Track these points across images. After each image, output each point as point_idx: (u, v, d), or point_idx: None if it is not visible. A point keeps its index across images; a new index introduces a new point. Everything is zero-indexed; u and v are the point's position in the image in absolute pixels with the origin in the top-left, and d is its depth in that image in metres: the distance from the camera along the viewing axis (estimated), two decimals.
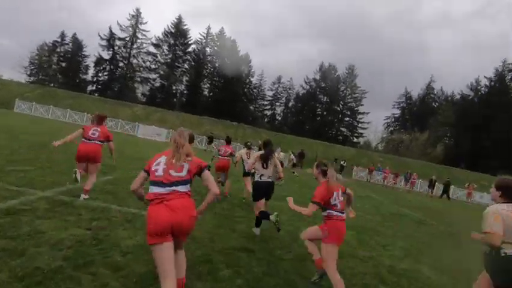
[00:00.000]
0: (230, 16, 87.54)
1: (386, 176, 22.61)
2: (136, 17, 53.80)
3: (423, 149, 40.68)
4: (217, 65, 56.41)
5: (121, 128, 26.02)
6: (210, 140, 23.50)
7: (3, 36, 75.46)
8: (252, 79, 60.98)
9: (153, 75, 55.62)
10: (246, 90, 59.71)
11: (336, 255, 2.92)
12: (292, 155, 21.19)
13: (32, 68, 53.38)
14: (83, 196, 4.64)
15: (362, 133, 58.62)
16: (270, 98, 67.13)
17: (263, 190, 4.55)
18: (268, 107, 68.44)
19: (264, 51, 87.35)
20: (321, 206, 2.93)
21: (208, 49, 56.87)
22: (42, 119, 23.50)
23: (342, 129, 59.15)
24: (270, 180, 4.62)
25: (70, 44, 55.89)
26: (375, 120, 71.05)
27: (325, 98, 59.31)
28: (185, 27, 55.74)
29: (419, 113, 54.48)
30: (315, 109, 59.81)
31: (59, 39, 55.25)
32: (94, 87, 55.29)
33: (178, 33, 54.95)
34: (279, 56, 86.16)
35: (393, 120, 59.35)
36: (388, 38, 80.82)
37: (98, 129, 4.81)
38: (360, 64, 75.56)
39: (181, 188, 2.18)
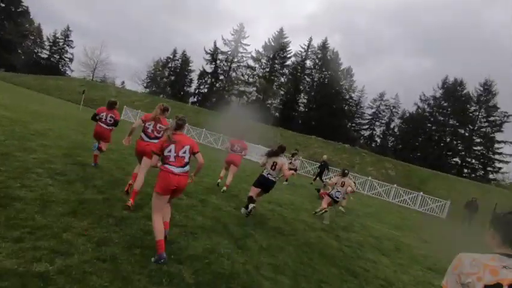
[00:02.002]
0: (331, 28, 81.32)
1: None
2: (239, 31, 53.04)
3: None
4: (316, 78, 50.71)
5: (205, 139, 22.02)
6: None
7: (127, 53, 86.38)
8: (353, 95, 53.14)
9: (250, 89, 53.71)
10: (345, 106, 52.15)
11: (160, 206, 3.20)
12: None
13: (148, 81, 57.92)
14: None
15: (500, 167, 43.98)
16: (369, 117, 57.83)
17: (263, 183, 5.68)
18: (366, 126, 58.99)
19: (362, 66, 77.75)
20: (159, 155, 3.27)
21: (308, 61, 51.99)
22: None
23: (470, 159, 45.60)
24: (273, 179, 5.68)
25: (180, 60, 59.10)
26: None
27: (447, 120, 46.96)
28: (286, 39, 52.36)
29: None
30: (431, 132, 47.92)
31: (171, 56, 59.28)
32: (195, 99, 56.60)
33: (277, 46, 51.61)
34: (380, 71, 75.32)
35: None
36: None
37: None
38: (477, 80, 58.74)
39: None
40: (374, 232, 7.62)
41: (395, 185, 17.38)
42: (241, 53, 55.96)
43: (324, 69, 53.22)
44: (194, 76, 60.04)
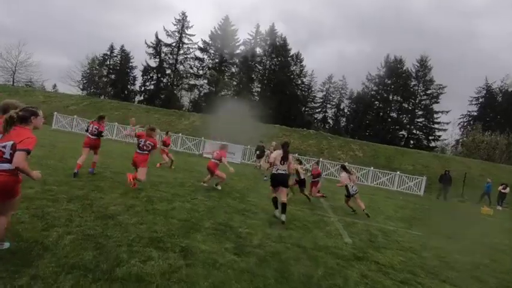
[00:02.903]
0: (275, 16, 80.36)
1: None
2: (182, 21, 49.00)
3: None
4: (267, 66, 49.35)
5: (183, 145, 19.32)
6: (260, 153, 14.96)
7: (55, 53, 75.93)
8: (304, 80, 53.19)
9: (200, 81, 50.50)
10: (298, 92, 51.94)
11: None
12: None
13: (85, 81, 51.01)
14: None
15: (439, 135, 47.67)
16: (321, 100, 58.76)
17: (279, 180, 6.00)
18: (319, 109, 59.96)
19: (309, 51, 78.67)
20: None
21: (258, 49, 50.22)
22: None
23: (415, 131, 48.69)
24: (284, 172, 6.05)
25: (118, 56, 53.03)
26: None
27: (392, 96, 49.34)
28: (232, 27, 49.75)
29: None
30: (378, 110, 50.08)
31: (108, 52, 52.93)
32: (142, 97, 51.76)
33: (225, 35, 48.84)
34: (324, 55, 77.02)
35: (470, 119, 47.82)
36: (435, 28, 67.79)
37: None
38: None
39: None
40: (401, 240, 6.17)
41: (372, 168, 16.72)
42: (187, 44, 51.90)
43: (274, 56, 52.08)
44: (137, 73, 54.56)
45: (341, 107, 59.69)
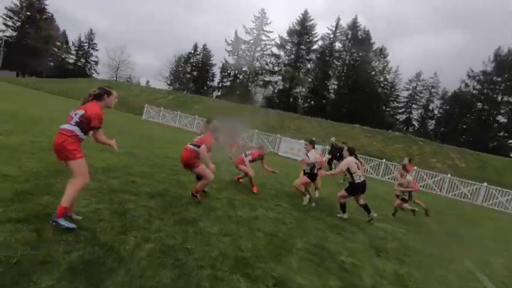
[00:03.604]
0: (357, 8, 74.93)
1: None
2: (261, 18, 49.31)
3: None
4: (346, 61, 46.10)
5: (258, 142, 18.92)
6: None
7: (149, 52, 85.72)
8: (387, 77, 48.10)
9: (275, 78, 50.06)
10: (379, 89, 47.24)
11: None
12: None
13: (172, 77, 56.52)
14: None
15: None
16: (405, 100, 52.38)
17: (364, 187, 5.65)
18: (402, 110, 53.66)
19: (395, 45, 70.85)
20: None
21: (337, 44, 47.32)
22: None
23: None
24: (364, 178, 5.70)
25: (201, 54, 56.85)
26: None
27: (502, 97, 40.84)
28: (311, 22, 47.97)
29: None
30: (481, 112, 42.03)
31: (192, 51, 57.16)
32: (219, 93, 53.83)
33: (302, 30, 47.36)
34: (412, 51, 68.46)
35: None
36: None
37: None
38: None
39: None
40: None
41: (485, 184, 13.41)
42: (264, 40, 52.24)
43: (354, 51, 48.36)
44: (216, 70, 57.65)
45: (430, 107, 52.39)
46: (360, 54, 47.63)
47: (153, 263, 2.63)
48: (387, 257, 4.16)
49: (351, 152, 5.85)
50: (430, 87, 52.38)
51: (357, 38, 47.80)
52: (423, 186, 14.49)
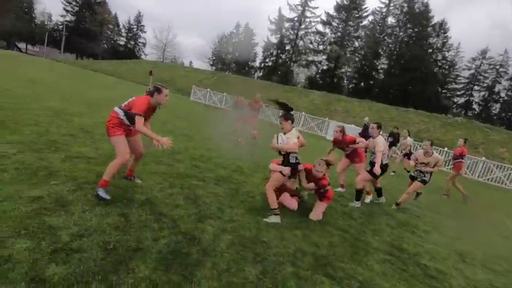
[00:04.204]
0: None
1: None
2: None
3: None
4: (399, 39, 42.28)
5: (305, 124, 18.21)
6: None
7: (193, 33, 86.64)
8: (446, 54, 43.27)
9: (319, 57, 47.89)
10: (436, 70, 42.79)
11: None
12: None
13: (214, 58, 56.68)
14: None
15: None
16: (466, 80, 46.98)
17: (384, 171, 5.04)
18: (462, 92, 48.34)
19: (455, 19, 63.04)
20: None
21: (390, 19, 43.48)
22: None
23: None
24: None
25: (243, 34, 55.83)
26: None
27: None
28: None
29: None
30: None
31: (234, 30, 56.27)
32: (261, 73, 53.14)
33: (351, 5, 44.03)
34: (476, 25, 60.40)
35: None
36: None
37: None
38: None
39: None
40: None
41: None
42: (309, 17, 49.62)
43: (410, 27, 43.98)
44: (258, 49, 56.55)
45: (496, 89, 46.36)
46: (416, 30, 43.22)
47: (235, 256, 2.57)
48: (473, 263, 3.71)
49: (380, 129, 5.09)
50: (498, 66, 46.23)
51: (414, 11, 43.23)
52: (491, 180, 12.98)
